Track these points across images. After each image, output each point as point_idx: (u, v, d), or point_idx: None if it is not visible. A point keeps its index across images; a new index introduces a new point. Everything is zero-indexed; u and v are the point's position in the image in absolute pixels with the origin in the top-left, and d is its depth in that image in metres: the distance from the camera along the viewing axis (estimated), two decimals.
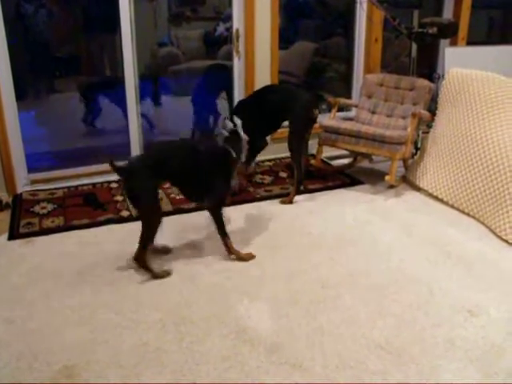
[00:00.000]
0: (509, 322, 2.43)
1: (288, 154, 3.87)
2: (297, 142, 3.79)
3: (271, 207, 3.74)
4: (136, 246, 2.82)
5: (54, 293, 2.68)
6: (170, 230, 3.31)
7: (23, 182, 4.05)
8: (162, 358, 2.21)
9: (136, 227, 2.77)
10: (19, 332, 2.38)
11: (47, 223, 3.46)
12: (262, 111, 3.87)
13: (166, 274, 2.84)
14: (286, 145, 3.84)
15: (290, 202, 3.78)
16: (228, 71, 4.72)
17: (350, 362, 2.17)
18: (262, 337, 2.33)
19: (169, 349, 2.26)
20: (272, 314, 2.50)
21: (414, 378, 2.08)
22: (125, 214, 3.60)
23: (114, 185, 4.11)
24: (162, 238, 2.98)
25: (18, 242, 3.25)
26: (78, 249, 3.16)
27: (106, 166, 4.26)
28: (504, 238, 3.22)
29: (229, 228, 3.00)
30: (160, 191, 3.92)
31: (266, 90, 4.06)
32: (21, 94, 4.28)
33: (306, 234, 3.35)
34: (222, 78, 5.17)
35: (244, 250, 3.05)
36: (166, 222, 3.48)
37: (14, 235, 3.32)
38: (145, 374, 2.12)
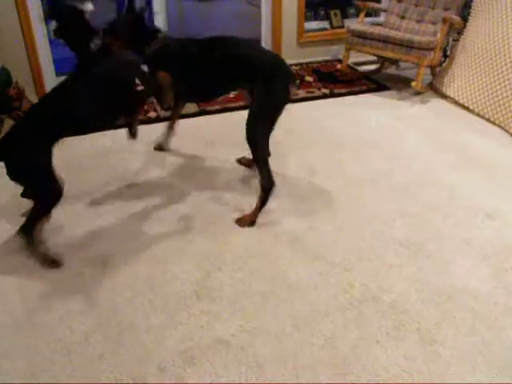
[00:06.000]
0: None
1: (315, 58, 3.57)
2: (264, 130, 2.50)
3: (297, 111, 3.73)
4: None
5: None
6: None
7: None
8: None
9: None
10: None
11: None
12: (207, 69, 2.54)
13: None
14: (313, 49, 3.72)
15: (252, 224, 2.52)
16: None
17: (369, 255, 2.30)
18: (285, 231, 2.46)
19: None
20: (295, 211, 2.61)
21: (427, 271, 2.20)
22: (152, 115, 3.68)
23: None
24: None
25: None
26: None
27: None
28: None
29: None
30: None
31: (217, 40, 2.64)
32: None
33: (330, 135, 3.40)
34: None
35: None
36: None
37: None
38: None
